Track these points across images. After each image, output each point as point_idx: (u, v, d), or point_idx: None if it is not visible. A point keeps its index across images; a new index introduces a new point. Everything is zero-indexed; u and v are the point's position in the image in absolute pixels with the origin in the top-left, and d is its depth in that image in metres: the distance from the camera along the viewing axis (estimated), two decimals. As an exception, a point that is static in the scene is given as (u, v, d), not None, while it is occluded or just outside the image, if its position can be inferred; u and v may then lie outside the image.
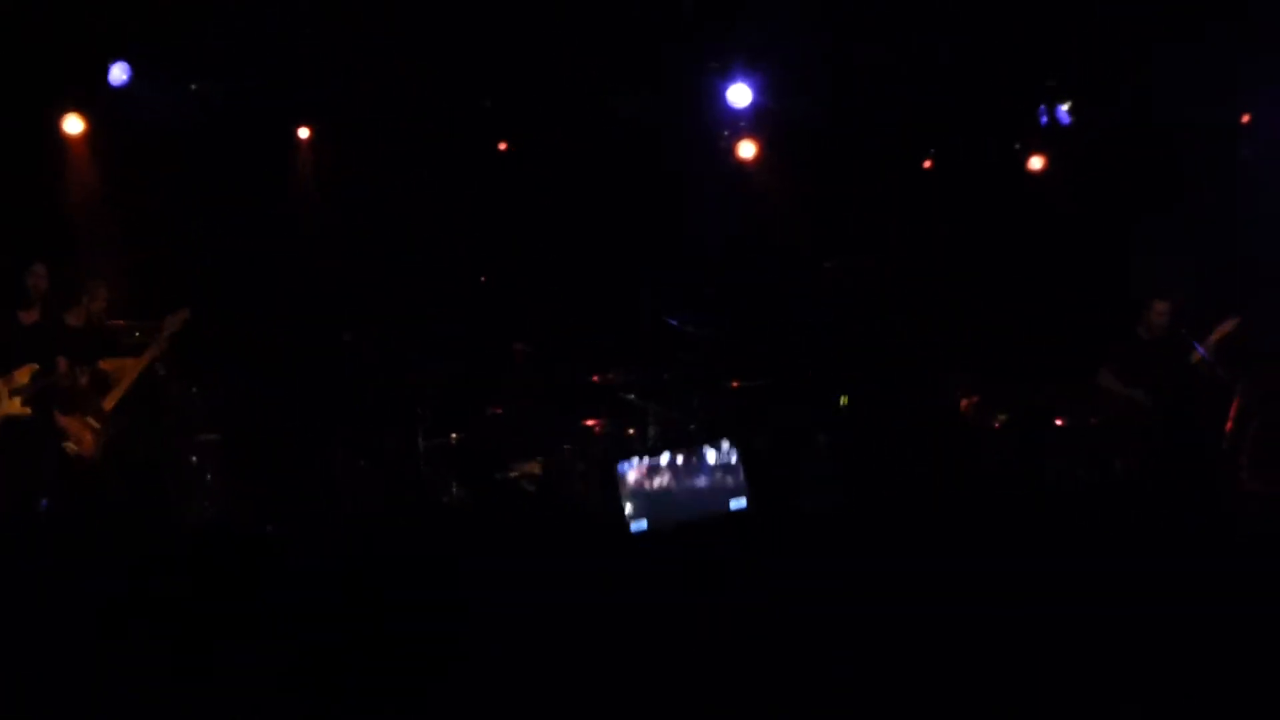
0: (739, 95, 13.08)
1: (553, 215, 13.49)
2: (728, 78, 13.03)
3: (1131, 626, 6.33)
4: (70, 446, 10.69)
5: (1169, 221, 12.74)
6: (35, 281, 10.63)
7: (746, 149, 13.61)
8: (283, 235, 12.97)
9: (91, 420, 10.82)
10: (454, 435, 12.33)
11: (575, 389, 12.68)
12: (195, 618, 6.61)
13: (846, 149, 13.60)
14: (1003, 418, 12.69)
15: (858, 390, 12.72)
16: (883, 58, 12.64)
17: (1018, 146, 13.73)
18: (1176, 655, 6.19)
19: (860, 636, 6.30)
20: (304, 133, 13.13)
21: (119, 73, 12.10)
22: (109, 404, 10.95)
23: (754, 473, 7.75)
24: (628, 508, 6.52)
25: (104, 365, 10.86)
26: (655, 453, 6.60)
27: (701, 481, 6.58)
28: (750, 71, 13.00)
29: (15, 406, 10.49)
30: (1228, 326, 11.45)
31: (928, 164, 13.92)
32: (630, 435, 12.51)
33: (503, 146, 13.57)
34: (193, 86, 12.37)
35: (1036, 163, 13.69)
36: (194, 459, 11.75)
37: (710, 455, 6.95)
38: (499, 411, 12.52)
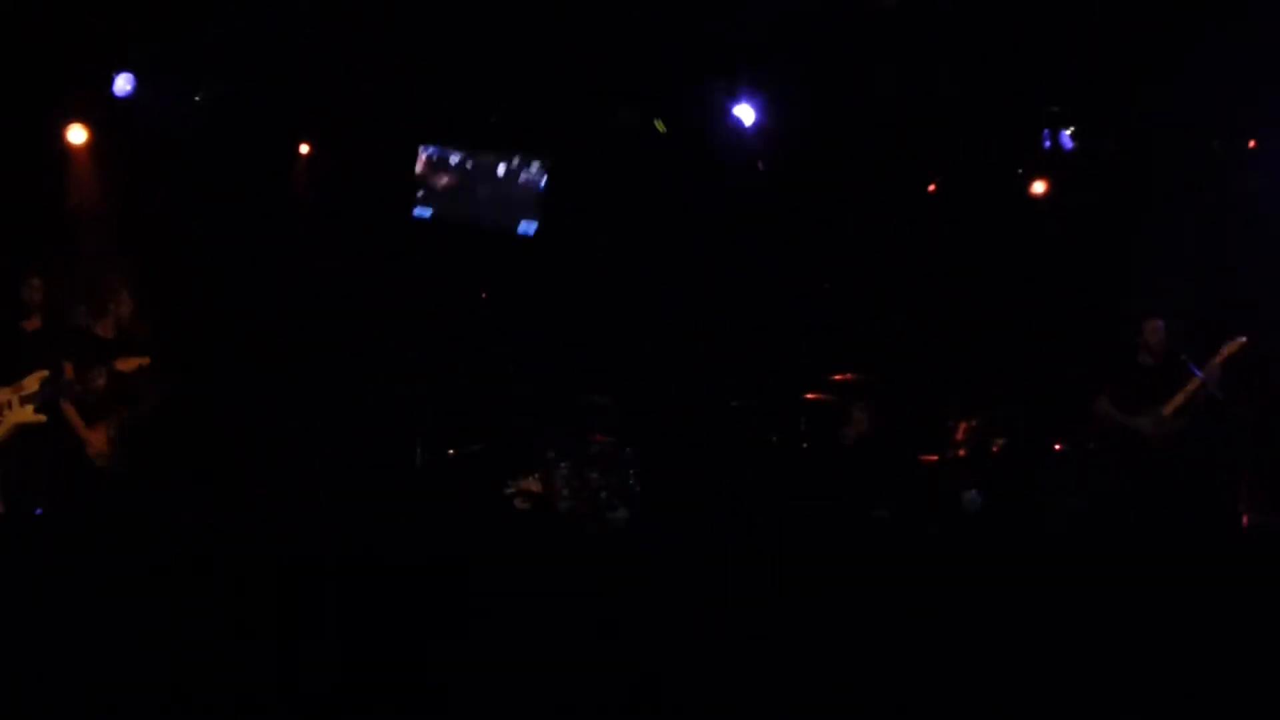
0: (744, 115, 13.08)
1: (549, 231, 13.46)
2: (734, 96, 13.04)
3: (1128, 642, 6.35)
4: (96, 459, 10.64)
5: (1168, 245, 12.74)
6: (31, 294, 10.69)
7: (753, 169, 13.60)
8: (284, 244, 12.95)
9: (113, 432, 10.78)
10: (451, 450, 12.32)
11: (575, 405, 12.67)
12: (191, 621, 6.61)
13: (848, 172, 13.61)
14: (1000, 442, 12.66)
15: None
16: (886, 82, 12.64)
17: (1021, 171, 13.72)
18: (1176, 678, 6.20)
19: (859, 638, 6.32)
20: (304, 148, 13.13)
21: (123, 83, 12.12)
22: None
23: (554, 199, 7.07)
24: (419, 192, 6.04)
25: (121, 367, 10.74)
26: (467, 149, 6.06)
27: (499, 191, 6.05)
28: (755, 92, 13.01)
29: (28, 414, 10.49)
30: (1233, 347, 11.42)
31: (932, 188, 13.91)
32: (628, 453, 12.51)
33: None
34: (196, 98, 12.36)
35: (1039, 187, 13.67)
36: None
37: (518, 168, 6.41)
38: (499, 427, 12.51)
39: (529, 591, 6.91)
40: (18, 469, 10.50)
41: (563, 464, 12.31)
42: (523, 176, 5.61)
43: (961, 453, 12.64)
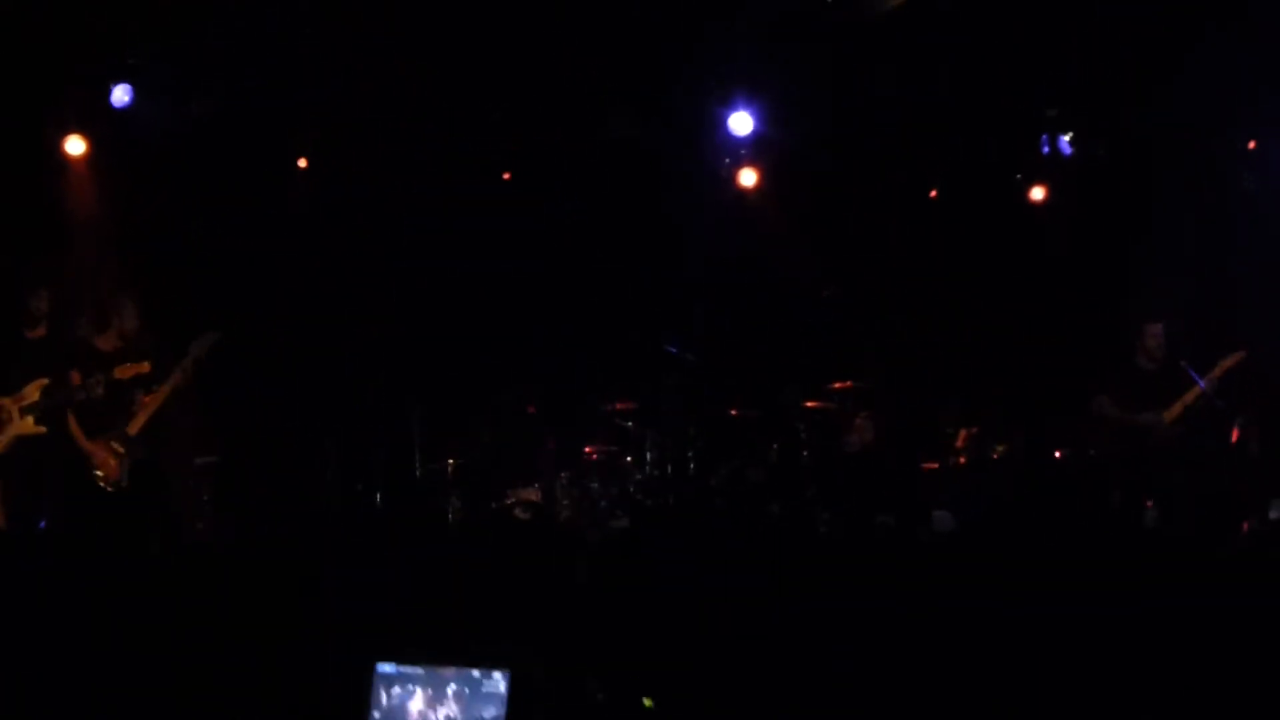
0: (740, 123, 13.07)
1: (551, 240, 13.47)
2: (729, 105, 13.03)
3: (1127, 643, 6.33)
4: (99, 473, 10.61)
5: (1166, 248, 12.72)
6: (38, 304, 10.64)
7: (747, 177, 13.59)
8: (283, 252, 12.92)
9: (115, 445, 10.73)
10: (451, 461, 12.30)
11: (573, 415, 12.67)
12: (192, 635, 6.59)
13: (847, 178, 13.60)
14: (1001, 449, 12.65)
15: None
16: (884, 88, 12.63)
17: (1019, 177, 13.70)
18: (1175, 681, 6.18)
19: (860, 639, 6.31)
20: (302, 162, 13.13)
21: (121, 94, 12.10)
22: (134, 428, 10.80)
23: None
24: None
25: (120, 375, 10.67)
26: (421, 662, 5.58)
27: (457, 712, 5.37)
28: (751, 100, 13.00)
29: (28, 425, 10.44)
30: (1231, 361, 11.38)
31: (933, 194, 13.89)
32: (628, 462, 12.51)
33: (506, 176, 13.57)
34: (192, 106, 12.36)
35: (1038, 193, 13.64)
36: (191, 480, 11.69)
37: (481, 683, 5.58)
38: (496, 437, 12.49)
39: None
40: (19, 482, 10.45)
41: (562, 473, 12.32)
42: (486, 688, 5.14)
43: (962, 460, 12.63)
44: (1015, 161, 13.67)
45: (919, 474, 12.53)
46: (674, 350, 12.83)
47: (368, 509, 12.28)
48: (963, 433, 12.77)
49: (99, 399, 10.52)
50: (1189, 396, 11.38)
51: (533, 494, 12.11)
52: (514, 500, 12.04)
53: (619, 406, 12.64)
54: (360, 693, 5.70)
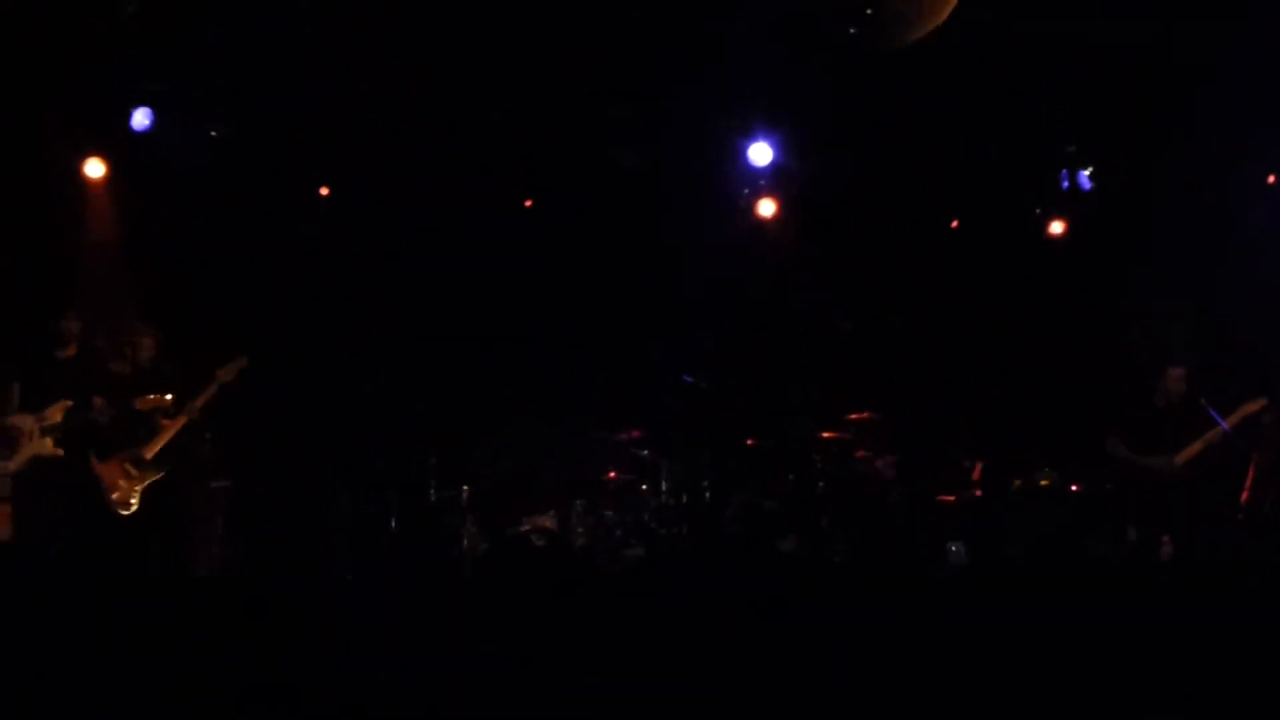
0: (760, 154, 13.09)
1: (569, 269, 13.48)
2: (749, 136, 13.05)
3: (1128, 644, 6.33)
4: (113, 497, 10.61)
5: (1183, 286, 12.69)
6: (69, 325, 10.67)
7: (766, 207, 13.60)
8: (301, 278, 12.93)
9: (130, 468, 10.74)
10: (466, 487, 12.28)
11: (589, 443, 12.66)
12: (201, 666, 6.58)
13: (865, 210, 13.60)
14: (1017, 483, 12.62)
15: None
16: (904, 120, 12.65)
17: (1038, 211, 13.69)
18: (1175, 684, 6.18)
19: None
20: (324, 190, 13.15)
21: (141, 118, 12.13)
22: (149, 453, 10.81)
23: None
24: None
25: (141, 406, 10.71)
26: None
27: None
28: (771, 131, 13.02)
29: (47, 446, 10.45)
30: (1255, 406, 11.29)
31: (955, 224, 13.88)
32: (643, 490, 12.50)
33: (528, 204, 13.59)
34: (212, 133, 12.39)
35: (1057, 227, 13.62)
36: (205, 506, 11.69)
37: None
38: (511, 464, 12.49)
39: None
40: (32, 502, 10.46)
41: (578, 501, 12.30)
42: None
43: (978, 493, 12.60)
44: (1034, 196, 13.65)
45: (935, 506, 12.51)
46: (690, 379, 12.83)
47: (382, 533, 12.27)
48: (978, 465, 12.74)
49: (114, 423, 10.57)
50: (1209, 436, 11.30)
51: (548, 521, 12.09)
52: (529, 527, 12.01)
53: (635, 435, 12.65)
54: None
